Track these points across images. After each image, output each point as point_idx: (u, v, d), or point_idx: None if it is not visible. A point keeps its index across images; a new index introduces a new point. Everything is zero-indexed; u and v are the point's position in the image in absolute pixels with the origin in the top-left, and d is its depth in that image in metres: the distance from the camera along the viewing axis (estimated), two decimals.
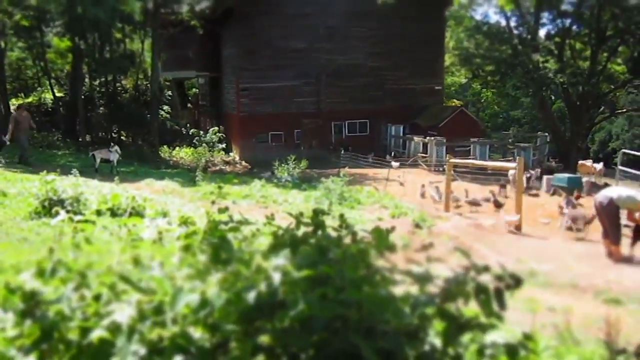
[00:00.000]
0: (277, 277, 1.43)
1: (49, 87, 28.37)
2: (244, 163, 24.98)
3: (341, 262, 1.53)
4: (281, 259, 1.50)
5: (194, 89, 37.87)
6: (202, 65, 29.43)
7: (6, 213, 6.48)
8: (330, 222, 1.91)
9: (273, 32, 25.77)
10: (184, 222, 5.42)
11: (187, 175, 16.85)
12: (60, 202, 6.20)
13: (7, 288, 1.82)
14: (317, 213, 1.85)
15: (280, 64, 26.16)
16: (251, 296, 1.39)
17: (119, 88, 27.64)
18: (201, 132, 25.58)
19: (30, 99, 30.37)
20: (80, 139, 24.05)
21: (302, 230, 1.81)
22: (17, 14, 24.99)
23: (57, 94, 27.57)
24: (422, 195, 14.41)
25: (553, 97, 32.97)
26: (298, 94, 26.61)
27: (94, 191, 9.37)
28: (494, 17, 60.64)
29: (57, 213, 5.84)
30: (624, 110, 33.52)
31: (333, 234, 1.80)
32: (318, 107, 26.86)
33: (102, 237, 5.05)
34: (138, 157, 21.86)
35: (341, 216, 1.82)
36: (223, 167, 23.42)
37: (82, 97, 24.43)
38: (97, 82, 27.02)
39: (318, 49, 26.43)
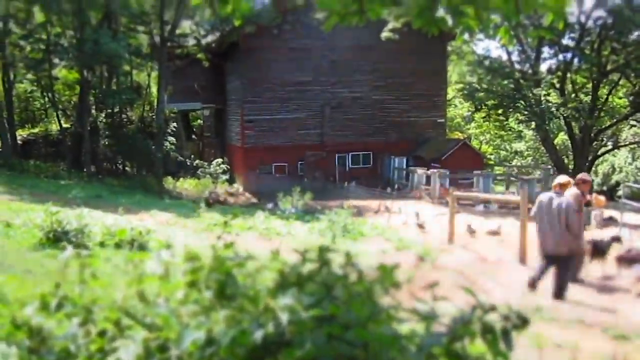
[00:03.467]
0: (284, 317, 1.43)
1: (55, 118, 28.69)
2: (247, 194, 25.01)
3: (347, 300, 1.53)
4: (288, 298, 1.51)
5: (198, 121, 38.23)
6: (207, 98, 29.77)
7: (11, 244, 6.48)
8: (334, 256, 1.91)
9: (277, 66, 26.14)
10: (190, 256, 5.39)
11: (190, 206, 16.86)
12: (65, 234, 6.22)
13: (13, 323, 1.82)
14: (323, 250, 1.86)
15: (284, 97, 26.47)
16: (258, 335, 1.39)
17: (124, 119, 27.92)
18: (205, 164, 25.76)
19: (37, 130, 30.72)
20: (85, 170, 24.19)
21: (308, 266, 1.82)
22: (27, 47, 25.47)
23: (64, 125, 27.86)
24: (420, 226, 14.40)
25: (556, 130, 33.12)
26: (302, 126, 26.84)
27: (98, 222, 9.39)
28: (496, 52, 61.45)
29: (63, 247, 5.85)
30: (627, 143, 33.62)
31: (338, 270, 1.80)
32: (322, 140, 27.03)
33: (106, 271, 5.03)
34: (142, 187, 21.95)
35: (347, 254, 1.82)
36: (227, 198, 23.43)
37: (88, 128, 24.68)
38: (103, 114, 27.33)
39: (322, 82, 26.76)
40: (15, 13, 24.28)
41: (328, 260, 1.78)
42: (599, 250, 8.26)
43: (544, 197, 7.30)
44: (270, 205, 18.15)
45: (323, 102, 26.85)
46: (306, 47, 25.95)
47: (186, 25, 26.79)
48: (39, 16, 24.88)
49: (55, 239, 6.17)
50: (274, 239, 10.97)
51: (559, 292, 6.96)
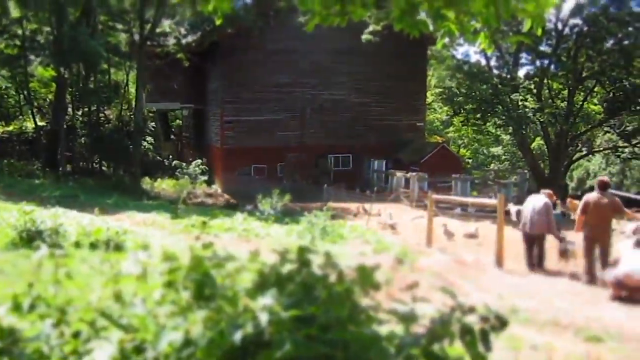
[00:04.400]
0: (264, 317, 1.42)
1: (30, 116, 28.16)
2: (226, 195, 24.86)
3: (327, 301, 1.52)
4: (268, 298, 1.49)
5: (177, 121, 37.89)
6: (187, 97, 29.52)
7: None
8: (314, 257, 1.90)
9: (258, 67, 26.07)
10: (167, 257, 5.33)
11: (168, 207, 16.70)
12: (39, 234, 6.09)
13: None
14: (303, 250, 1.85)
15: (264, 98, 26.38)
16: (237, 336, 1.37)
17: (102, 118, 27.54)
18: (184, 164, 25.54)
19: (11, 127, 30.10)
20: (60, 169, 23.79)
21: (287, 267, 1.80)
22: (2, 43, 24.97)
23: (39, 123, 27.36)
24: (392, 227, 14.60)
25: (532, 135, 33.63)
26: (282, 128, 26.79)
27: (73, 222, 9.22)
28: (475, 57, 62.24)
29: (37, 247, 5.73)
30: (601, 149, 34.28)
31: (318, 271, 1.79)
32: (302, 141, 27.01)
33: (82, 271, 4.94)
34: (119, 187, 21.66)
35: (327, 254, 1.81)
36: (205, 199, 23.26)
37: (65, 126, 24.29)
38: (80, 112, 26.91)
39: (303, 84, 26.76)
40: None
41: (308, 260, 1.77)
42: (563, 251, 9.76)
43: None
44: (249, 207, 18.07)
45: (304, 104, 26.85)
46: (287, 48, 25.92)
47: (166, 25, 26.52)
48: (14, 11, 24.41)
49: (29, 238, 6.03)
50: (252, 240, 10.91)
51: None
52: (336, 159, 27.66)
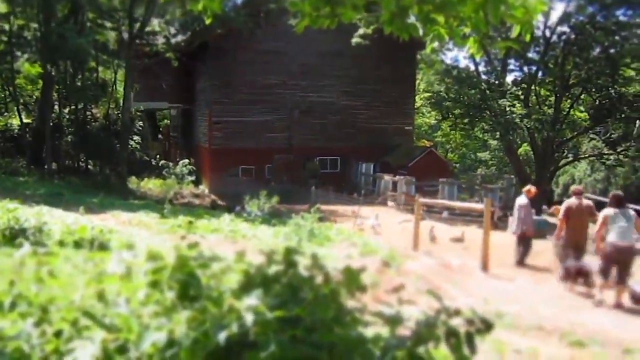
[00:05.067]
0: (249, 318, 1.41)
1: (16, 113, 27.82)
2: (213, 196, 24.75)
3: (313, 302, 1.51)
4: (253, 299, 1.48)
5: (165, 120, 37.69)
6: (175, 97, 29.37)
7: None
8: (300, 259, 1.89)
9: (247, 68, 26.01)
10: (152, 256, 5.28)
11: (154, 207, 16.59)
12: (22, 232, 6.00)
13: None
14: (289, 251, 1.84)
15: (253, 99, 26.33)
16: (222, 336, 1.36)
17: (89, 117, 27.29)
18: (171, 164, 25.40)
19: None
20: (46, 167, 23.53)
21: (274, 268, 1.79)
22: None
23: (25, 120, 27.04)
24: (374, 228, 14.69)
25: (519, 141, 33.90)
26: (271, 129, 26.74)
27: (58, 221, 9.12)
28: (464, 62, 62.62)
29: (20, 244, 5.65)
30: (587, 155, 34.65)
31: (304, 272, 1.78)
32: (290, 143, 26.98)
33: (65, 270, 4.88)
34: (105, 187, 21.46)
35: (314, 256, 1.81)
36: (192, 200, 23.13)
37: (51, 124, 24.03)
38: (66, 110, 26.64)
39: (291, 86, 26.74)
40: None
41: (294, 261, 1.76)
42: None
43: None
44: (236, 208, 18.00)
45: (292, 105, 26.83)
46: (277, 50, 25.90)
47: (155, 23, 26.37)
48: (1, 7, 24.15)
49: (12, 236, 5.93)
50: (239, 242, 10.87)
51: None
52: (324, 162, 27.66)
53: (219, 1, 3.62)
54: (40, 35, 22.68)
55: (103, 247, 6.95)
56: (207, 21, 3.98)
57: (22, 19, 24.24)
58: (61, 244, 6.67)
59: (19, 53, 25.18)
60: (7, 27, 24.10)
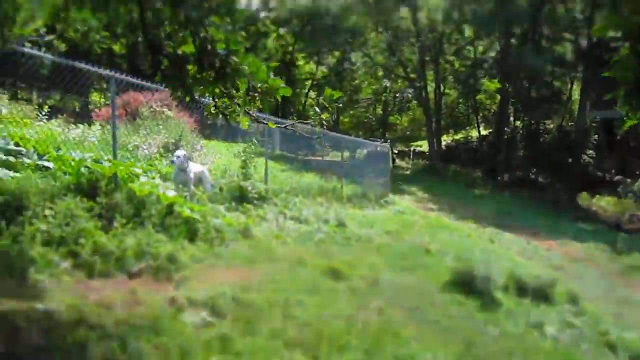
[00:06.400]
0: None
1: (475, 125, 30.49)
2: None
3: None
4: None
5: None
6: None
7: (421, 279, 6.47)
8: None
9: None
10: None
11: (606, 234, 15.15)
12: (472, 279, 6.33)
13: None
14: None
15: None
16: None
17: (541, 129, 27.49)
18: (628, 180, 23.02)
19: (458, 136, 33.30)
20: (498, 178, 24.92)
21: None
22: (456, 63, 27.92)
23: (482, 132, 29.30)
24: None
25: None
26: None
27: (504, 252, 9.56)
28: None
29: (468, 293, 6.07)
30: None
31: None
32: None
33: (507, 330, 5.03)
34: (553, 202, 21.23)
35: None
36: None
37: (505, 137, 25.28)
38: (520, 123, 27.56)
39: None
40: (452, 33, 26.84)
41: None
42: None
43: None
44: None
45: None
46: None
47: None
48: (467, 32, 26.84)
49: (462, 283, 6.26)
50: None
51: None
52: None
53: None
54: (500, 55, 24.15)
55: (546, 298, 6.85)
56: None
57: (484, 44, 26.46)
58: (505, 289, 6.88)
59: (480, 73, 27.50)
60: (471, 49, 26.71)
